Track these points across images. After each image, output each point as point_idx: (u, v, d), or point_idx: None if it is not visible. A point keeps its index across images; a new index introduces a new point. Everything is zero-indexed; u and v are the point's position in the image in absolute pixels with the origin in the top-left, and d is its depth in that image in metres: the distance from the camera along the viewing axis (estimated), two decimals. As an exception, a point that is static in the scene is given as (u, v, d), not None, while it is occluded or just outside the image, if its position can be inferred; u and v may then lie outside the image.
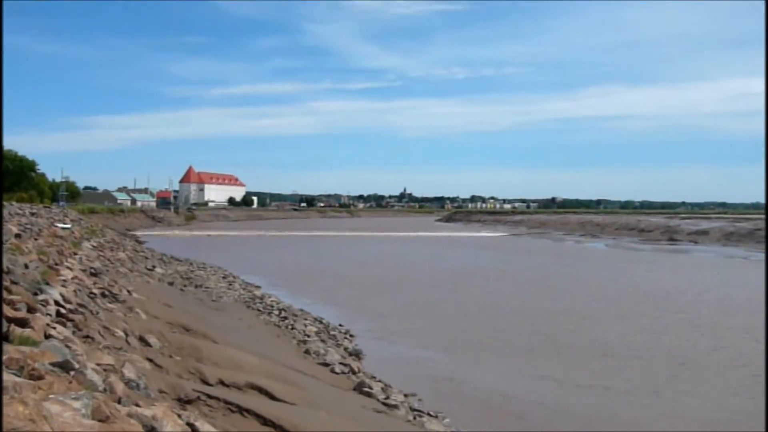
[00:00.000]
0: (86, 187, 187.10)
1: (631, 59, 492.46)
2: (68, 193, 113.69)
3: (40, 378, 5.03)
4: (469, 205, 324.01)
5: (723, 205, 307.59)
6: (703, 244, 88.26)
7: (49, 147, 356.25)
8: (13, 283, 10.35)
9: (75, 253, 24.68)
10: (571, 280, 43.61)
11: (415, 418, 14.19)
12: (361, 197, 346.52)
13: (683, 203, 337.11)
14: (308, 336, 22.24)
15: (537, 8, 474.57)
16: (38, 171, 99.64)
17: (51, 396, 4.42)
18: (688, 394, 17.60)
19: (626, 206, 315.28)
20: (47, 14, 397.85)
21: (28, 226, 27.83)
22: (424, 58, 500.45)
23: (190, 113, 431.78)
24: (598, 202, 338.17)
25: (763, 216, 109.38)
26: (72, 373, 6.07)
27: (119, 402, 5.98)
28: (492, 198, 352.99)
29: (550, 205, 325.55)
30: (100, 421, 4.50)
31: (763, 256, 61.69)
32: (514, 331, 25.75)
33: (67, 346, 7.33)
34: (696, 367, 20.65)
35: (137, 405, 6.24)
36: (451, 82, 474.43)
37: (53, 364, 5.93)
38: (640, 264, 58.98)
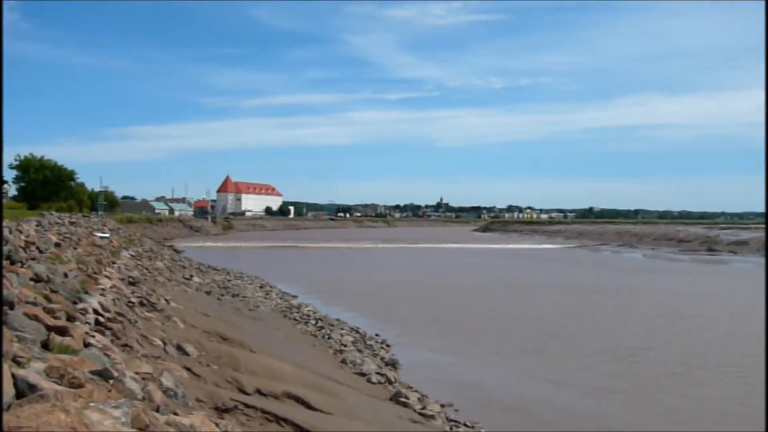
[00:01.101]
0: (124, 197, 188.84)
1: (667, 68, 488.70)
2: (107, 203, 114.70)
3: (80, 386, 5.07)
4: (506, 215, 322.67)
5: (763, 215, 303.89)
6: (743, 254, 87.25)
7: (88, 157, 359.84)
8: (53, 291, 10.46)
9: (113, 262, 24.90)
10: (605, 290, 43.26)
11: (451, 429, 14.15)
12: (397, 207, 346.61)
13: (722, 213, 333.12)
14: (345, 345, 22.25)
15: (574, 18, 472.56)
16: (77, 180, 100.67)
17: (91, 404, 4.45)
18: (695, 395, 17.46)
19: (664, 216, 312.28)
20: (87, 27, 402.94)
21: (67, 236, 28.10)
22: (461, 68, 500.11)
23: (227, 123, 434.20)
24: (636, 211, 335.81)
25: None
26: (111, 381, 6.11)
27: (157, 410, 6.01)
28: (529, 208, 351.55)
29: (587, 215, 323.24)
30: (139, 429, 4.53)
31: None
32: (554, 339, 25.60)
33: (106, 355, 7.39)
34: (707, 370, 20.88)
35: (175, 413, 6.27)
36: (488, 92, 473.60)
37: (93, 373, 5.97)
38: (676, 274, 58.47)
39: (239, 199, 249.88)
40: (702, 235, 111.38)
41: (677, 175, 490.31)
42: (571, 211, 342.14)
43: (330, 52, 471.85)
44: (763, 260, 76.98)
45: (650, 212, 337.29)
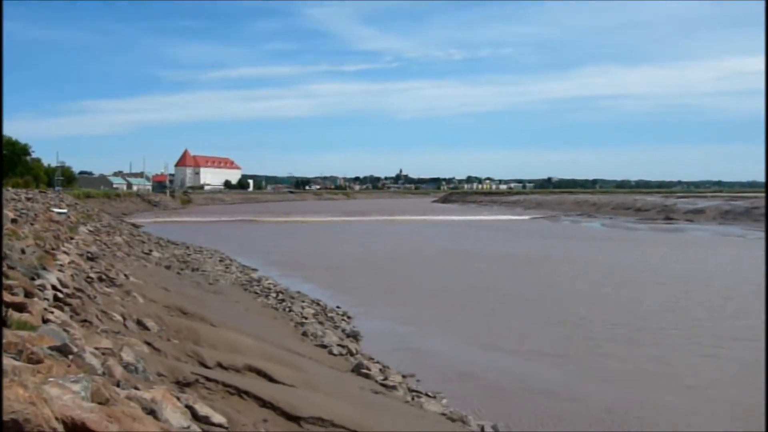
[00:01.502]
0: (82, 172, 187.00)
1: (627, 39, 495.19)
2: (64, 178, 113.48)
3: (39, 362, 5.04)
4: (465, 186, 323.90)
5: (719, 183, 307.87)
6: (699, 222, 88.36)
7: (45, 132, 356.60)
8: (10, 268, 10.36)
9: (71, 238, 24.66)
10: (560, 258, 43.66)
11: (413, 398, 14.22)
12: (357, 179, 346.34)
13: (679, 182, 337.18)
14: (306, 318, 22.26)
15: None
16: (33, 156, 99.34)
17: (50, 379, 4.43)
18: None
19: (622, 185, 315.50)
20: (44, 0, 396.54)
21: (24, 211, 27.81)
22: (420, 39, 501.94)
23: (186, 97, 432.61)
24: (594, 181, 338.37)
25: (760, 194, 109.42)
26: (70, 356, 6.09)
27: (118, 385, 5.99)
28: (488, 179, 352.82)
29: (546, 185, 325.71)
30: (99, 403, 4.51)
31: (762, 234, 61.75)
32: (512, 310, 25.84)
33: (65, 331, 7.35)
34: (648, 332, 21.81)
35: (136, 388, 6.26)
36: (447, 64, 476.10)
37: (52, 348, 5.94)
38: (633, 243, 59.14)
39: (198, 173, 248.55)
40: (659, 204, 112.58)
41: (635, 144, 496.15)
42: (530, 181, 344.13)
43: (290, 25, 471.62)
44: (719, 227, 78.19)
45: (608, 182, 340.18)
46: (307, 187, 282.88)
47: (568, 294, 29.47)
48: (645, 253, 48.84)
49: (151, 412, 5.34)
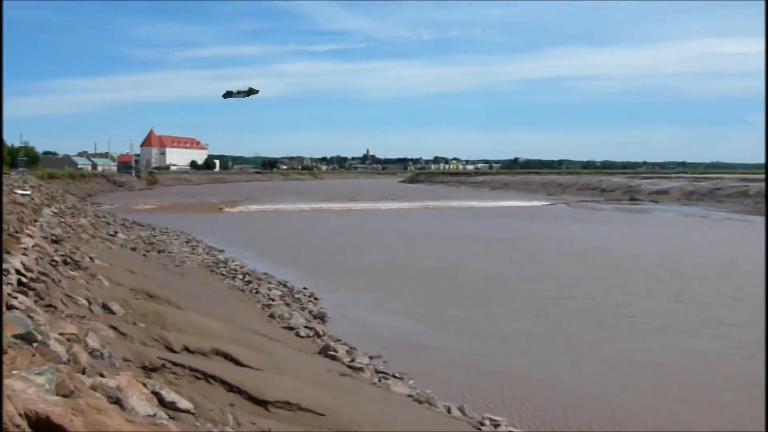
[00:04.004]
0: (46, 152, 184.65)
1: (594, 21, 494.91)
2: (27, 159, 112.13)
3: (2, 352, 4.99)
4: (432, 167, 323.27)
5: (683, 164, 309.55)
6: (664, 203, 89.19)
7: (7, 112, 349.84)
8: (-27, 252, 10.24)
9: (35, 220, 24.40)
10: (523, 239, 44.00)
11: (380, 380, 14.27)
12: (324, 159, 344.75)
13: (644, 163, 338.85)
14: (273, 300, 22.23)
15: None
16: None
17: (14, 372, 4.38)
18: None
19: (588, 166, 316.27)
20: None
21: (-13, 193, 27.45)
22: (390, 20, 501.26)
23: (152, 76, 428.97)
24: (560, 162, 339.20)
25: (724, 175, 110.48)
26: (35, 344, 6.03)
27: (83, 372, 5.96)
28: (455, 159, 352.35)
29: (512, 165, 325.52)
30: (64, 396, 4.47)
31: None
32: (474, 293, 26.01)
33: (29, 317, 7.28)
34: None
35: (101, 375, 6.22)
36: (416, 44, 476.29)
37: (16, 336, 5.89)
38: (594, 223, 59.60)
39: (163, 153, 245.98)
40: (624, 185, 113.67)
41: (601, 125, 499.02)
42: (497, 161, 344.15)
43: (259, 4, 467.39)
44: (683, 208, 78.90)
45: (574, 162, 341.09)
46: (274, 168, 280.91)
47: (532, 274, 29.72)
48: (604, 232, 49.37)
49: (117, 401, 5.31)
